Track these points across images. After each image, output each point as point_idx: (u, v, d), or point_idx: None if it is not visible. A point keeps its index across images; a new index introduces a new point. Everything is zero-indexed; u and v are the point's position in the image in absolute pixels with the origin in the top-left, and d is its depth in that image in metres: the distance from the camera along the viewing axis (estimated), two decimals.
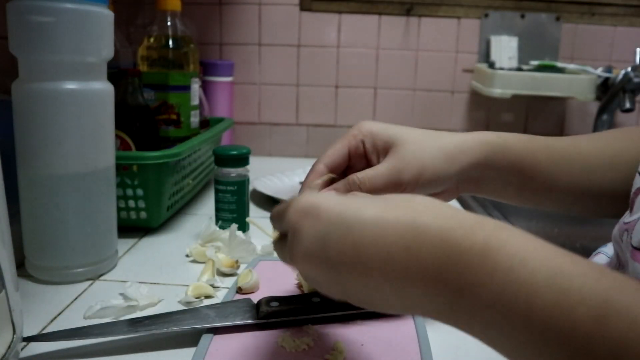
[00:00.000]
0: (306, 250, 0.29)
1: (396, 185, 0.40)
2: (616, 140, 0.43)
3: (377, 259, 0.26)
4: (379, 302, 0.28)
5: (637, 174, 0.36)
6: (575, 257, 0.23)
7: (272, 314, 0.43)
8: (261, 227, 0.50)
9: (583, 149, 0.42)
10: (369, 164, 0.43)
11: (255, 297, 0.46)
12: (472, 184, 0.43)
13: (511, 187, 0.44)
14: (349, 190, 0.41)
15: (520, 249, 0.23)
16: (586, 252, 0.44)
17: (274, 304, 0.43)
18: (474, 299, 0.23)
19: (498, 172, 0.42)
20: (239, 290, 0.49)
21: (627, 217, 0.35)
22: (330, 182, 0.43)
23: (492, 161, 0.41)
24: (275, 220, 0.34)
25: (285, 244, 0.32)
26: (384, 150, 0.42)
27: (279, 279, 0.52)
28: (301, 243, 0.29)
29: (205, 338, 0.41)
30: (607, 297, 0.20)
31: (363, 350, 0.40)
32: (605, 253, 0.41)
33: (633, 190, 0.36)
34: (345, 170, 0.44)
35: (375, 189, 0.40)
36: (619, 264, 0.36)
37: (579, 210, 0.46)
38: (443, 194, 0.42)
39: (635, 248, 0.32)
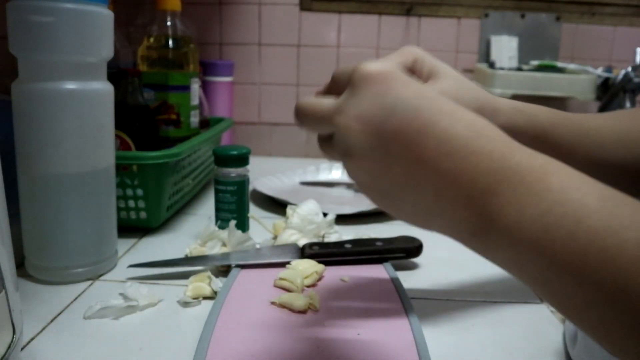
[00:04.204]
0: (364, 113, 0.27)
1: None
2: (628, 119, 0.44)
3: (435, 151, 0.25)
4: (411, 203, 0.27)
5: None
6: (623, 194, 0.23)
7: (314, 255, 0.54)
8: (262, 222, 0.49)
9: (599, 124, 0.43)
10: None
11: (253, 296, 0.46)
12: None
13: None
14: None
15: (573, 176, 0.24)
16: None
17: (315, 247, 0.55)
18: (518, 214, 0.23)
19: (522, 139, 0.43)
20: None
21: None
22: None
23: (519, 129, 0.41)
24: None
25: (330, 141, 0.29)
26: (427, 78, 0.40)
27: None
28: (360, 105, 0.27)
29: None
30: None
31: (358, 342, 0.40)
32: None
33: None
34: None
35: None
36: None
37: None
38: None
39: None
